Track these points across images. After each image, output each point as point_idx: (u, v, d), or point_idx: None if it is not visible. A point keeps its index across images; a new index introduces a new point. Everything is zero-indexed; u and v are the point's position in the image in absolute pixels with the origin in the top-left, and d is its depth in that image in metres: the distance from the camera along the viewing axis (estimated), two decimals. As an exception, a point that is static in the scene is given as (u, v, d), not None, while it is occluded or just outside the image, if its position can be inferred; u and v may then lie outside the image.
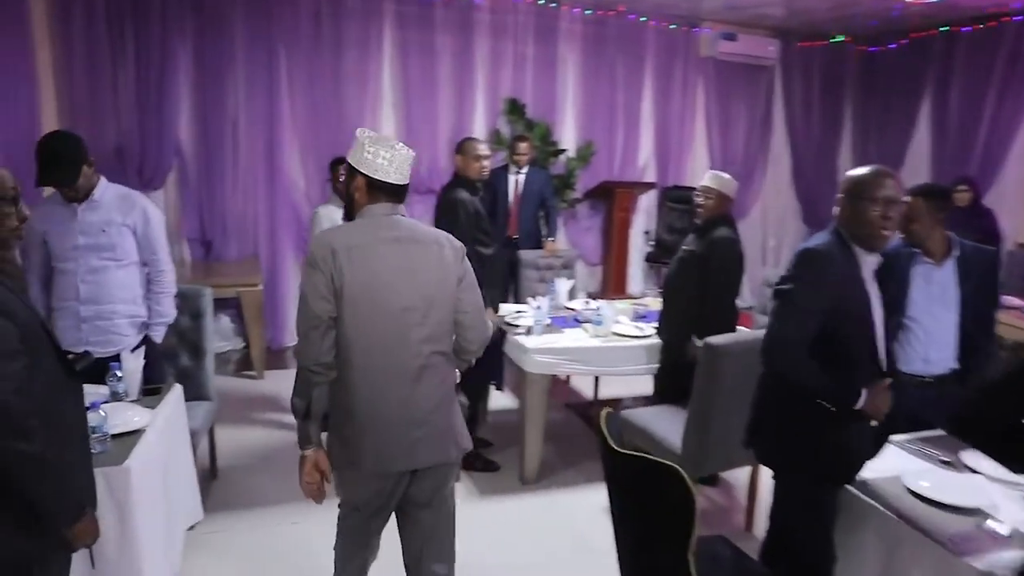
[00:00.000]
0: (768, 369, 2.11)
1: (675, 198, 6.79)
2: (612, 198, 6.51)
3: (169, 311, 2.97)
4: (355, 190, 2.00)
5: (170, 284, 2.95)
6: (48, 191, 2.76)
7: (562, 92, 6.47)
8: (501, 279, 4.88)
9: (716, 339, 2.81)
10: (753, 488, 3.32)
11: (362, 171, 1.96)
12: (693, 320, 3.30)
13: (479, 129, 6.18)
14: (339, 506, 2.14)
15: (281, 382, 4.95)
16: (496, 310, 3.67)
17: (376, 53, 5.82)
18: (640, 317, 4.06)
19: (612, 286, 6.66)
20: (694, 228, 3.47)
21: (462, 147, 3.66)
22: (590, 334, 3.66)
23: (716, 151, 7.17)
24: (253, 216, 5.62)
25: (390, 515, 2.12)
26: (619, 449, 1.75)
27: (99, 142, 5.12)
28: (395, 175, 1.97)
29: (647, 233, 7.11)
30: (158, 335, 2.94)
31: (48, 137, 2.62)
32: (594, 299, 4.48)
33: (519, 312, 4.01)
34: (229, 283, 4.80)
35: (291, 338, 5.68)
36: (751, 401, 2.24)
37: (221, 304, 4.87)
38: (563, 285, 4.33)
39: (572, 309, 4.19)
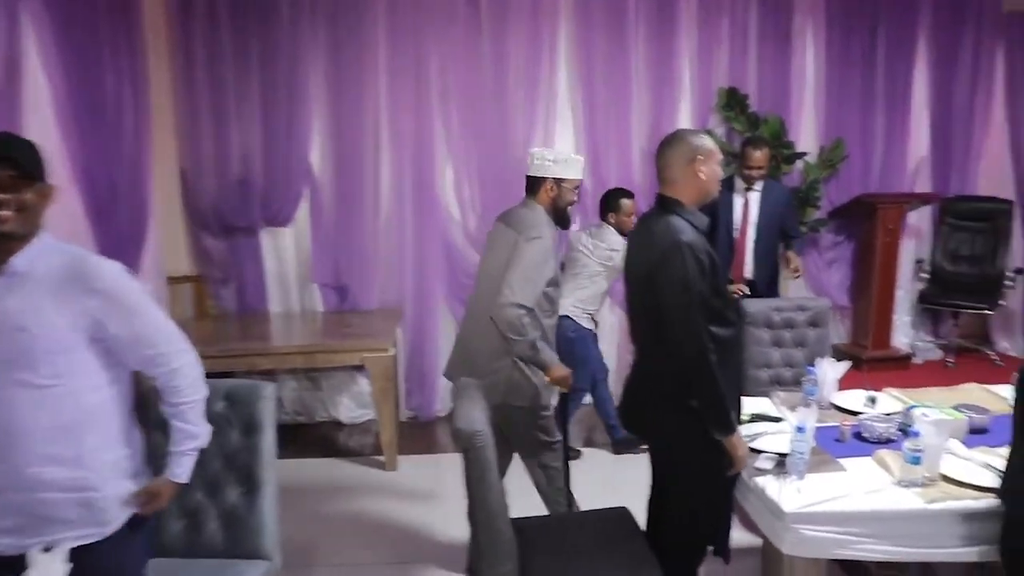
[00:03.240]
0: None
1: (960, 213, 5.04)
2: (872, 217, 4.69)
3: (198, 423, 1.75)
4: None
5: (193, 383, 1.72)
6: None
7: (797, 76, 4.79)
8: (741, 376, 3.33)
9: None
10: None
11: None
12: None
13: (682, 133, 4.68)
14: None
15: (421, 474, 3.75)
16: (733, 434, 1.98)
17: (549, 52, 4.56)
18: (978, 432, 2.32)
19: (872, 339, 4.81)
20: None
21: (693, 144, 2.07)
22: (897, 479, 1.99)
23: (1025, 145, 5.07)
24: (398, 255, 4.55)
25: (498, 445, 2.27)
26: None
27: (222, 173, 4.34)
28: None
29: (919, 263, 5.15)
30: (182, 470, 1.73)
31: None
32: (875, 390, 2.69)
33: (754, 419, 2.42)
34: (350, 347, 3.67)
35: (444, 406, 4.53)
36: None
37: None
38: (830, 369, 2.57)
39: (847, 412, 2.52)
